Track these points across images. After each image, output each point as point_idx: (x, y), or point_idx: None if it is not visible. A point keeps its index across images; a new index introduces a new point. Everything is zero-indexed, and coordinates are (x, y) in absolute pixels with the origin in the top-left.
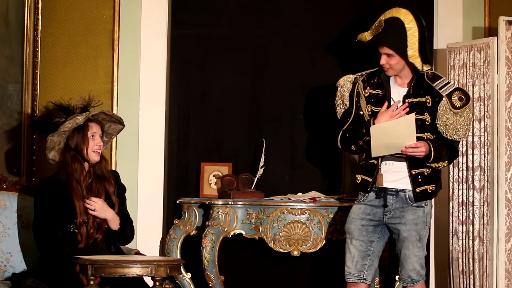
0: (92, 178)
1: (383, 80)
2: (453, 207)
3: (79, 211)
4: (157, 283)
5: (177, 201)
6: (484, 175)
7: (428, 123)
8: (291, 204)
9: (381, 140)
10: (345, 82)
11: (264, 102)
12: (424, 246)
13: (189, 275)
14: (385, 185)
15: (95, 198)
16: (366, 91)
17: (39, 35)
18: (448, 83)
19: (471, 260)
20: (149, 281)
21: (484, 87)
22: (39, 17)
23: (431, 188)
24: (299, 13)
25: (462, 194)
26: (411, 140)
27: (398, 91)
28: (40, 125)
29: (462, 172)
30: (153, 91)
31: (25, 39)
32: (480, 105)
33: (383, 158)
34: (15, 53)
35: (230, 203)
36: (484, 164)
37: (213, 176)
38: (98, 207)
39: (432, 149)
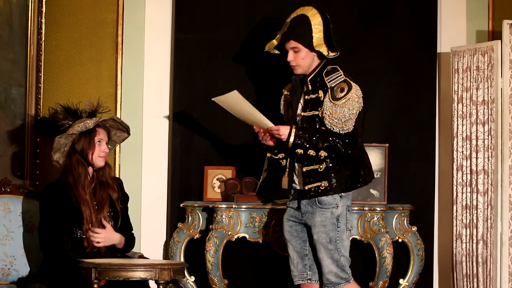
0: (95, 184)
1: (293, 82)
2: (457, 210)
3: (85, 216)
4: (161, 287)
5: (181, 205)
6: (488, 178)
7: (321, 118)
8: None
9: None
10: (284, 91)
11: (267, 105)
12: (339, 249)
13: (193, 278)
14: (299, 186)
15: (99, 229)
16: (289, 96)
17: (43, 39)
18: (339, 75)
19: (475, 264)
20: (153, 284)
21: (488, 90)
22: (43, 20)
23: (323, 184)
24: None
25: (466, 197)
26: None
27: (304, 90)
28: (43, 127)
29: (466, 176)
30: (157, 94)
31: (28, 43)
32: (484, 108)
33: (292, 160)
34: (19, 57)
35: (233, 206)
36: (488, 167)
37: (217, 179)
38: (103, 238)
39: (292, 133)
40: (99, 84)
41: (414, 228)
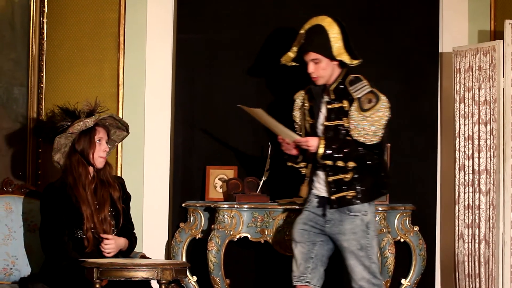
0: (96, 184)
1: (313, 92)
2: (459, 210)
3: (86, 216)
4: (163, 286)
5: (183, 205)
6: (490, 178)
7: (347, 128)
8: (297, 207)
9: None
10: (297, 98)
11: (270, 105)
12: (369, 256)
13: (195, 278)
14: (324, 194)
15: (108, 240)
16: (306, 104)
17: (45, 38)
18: (365, 86)
19: (477, 263)
20: (155, 284)
21: (490, 90)
22: (45, 20)
23: (350, 194)
24: (303, 18)
25: (468, 197)
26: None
27: (326, 100)
28: (41, 129)
29: (468, 176)
30: (159, 94)
31: (30, 42)
32: (486, 108)
33: (315, 168)
34: (21, 56)
35: (235, 206)
36: (490, 167)
37: (219, 179)
38: (113, 248)
39: (321, 144)
40: (101, 84)
41: (416, 228)
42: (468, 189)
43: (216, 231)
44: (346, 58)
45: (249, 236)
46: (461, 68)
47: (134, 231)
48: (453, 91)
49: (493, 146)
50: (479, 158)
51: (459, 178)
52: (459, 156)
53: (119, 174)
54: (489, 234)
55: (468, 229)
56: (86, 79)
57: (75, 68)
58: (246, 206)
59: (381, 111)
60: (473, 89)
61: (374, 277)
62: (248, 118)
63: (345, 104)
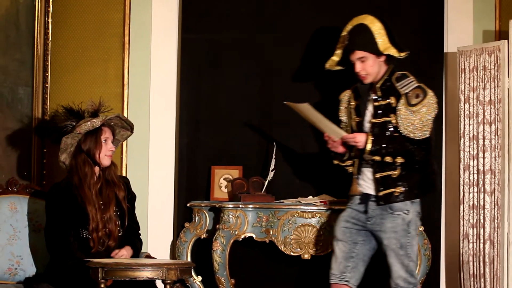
0: (101, 183)
1: (359, 90)
2: (463, 210)
3: (91, 216)
4: (168, 286)
5: (188, 205)
6: (495, 178)
7: (394, 124)
8: (302, 207)
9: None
10: (343, 97)
11: (274, 105)
12: (409, 254)
13: (200, 278)
14: (367, 191)
15: (119, 254)
16: (352, 103)
17: (50, 39)
18: (412, 81)
19: (481, 264)
20: (160, 284)
21: (494, 90)
22: (50, 20)
23: (398, 190)
24: (308, 17)
25: (473, 197)
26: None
27: (373, 97)
28: (45, 129)
29: (473, 176)
30: (164, 94)
31: (35, 43)
32: (490, 108)
33: (360, 165)
34: (26, 57)
35: (240, 206)
36: (495, 167)
37: (224, 179)
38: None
39: (369, 140)
40: (105, 84)
41: (421, 228)
42: (473, 189)
43: (221, 231)
44: (393, 52)
45: (254, 236)
46: (466, 68)
47: (139, 231)
48: (457, 91)
49: (497, 146)
50: (483, 158)
51: (463, 178)
52: (463, 156)
53: (124, 174)
54: (494, 234)
55: (473, 229)
56: (91, 79)
57: (80, 68)
58: (251, 206)
59: (429, 106)
60: (478, 89)
61: (411, 276)
62: (253, 117)
63: (392, 100)
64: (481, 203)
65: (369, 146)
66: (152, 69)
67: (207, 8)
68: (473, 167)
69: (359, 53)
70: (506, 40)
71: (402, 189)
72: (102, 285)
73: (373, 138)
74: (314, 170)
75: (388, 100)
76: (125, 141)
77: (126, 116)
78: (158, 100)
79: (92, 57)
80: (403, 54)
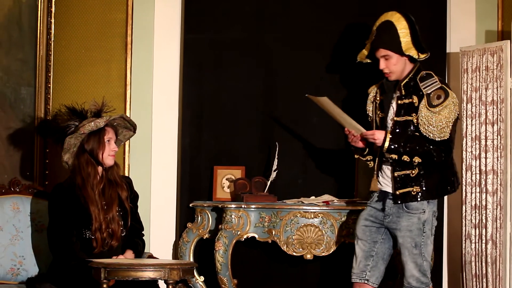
0: (104, 183)
1: (385, 86)
2: (466, 210)
3: (94, 216)
4: (170, 286)
5: (190, 205)
6: (497, 178)
7: (416, 124)
8: (304, 207)
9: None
10: (370, 91)
11: (277, 105)
12: (423, 253)
13: (202, 278)
14: (385, 189)
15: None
16: (378, 98)
17: (52, 39)
18: (435, 82)
19: (484, 264)
20: (162, 284)
21: (497, 90)
22: (52, 20)
23: (415, 189)
24: (311, 17)
25: (475, 197)
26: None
27: (397, 95)
28: (48, 129)
29: (475, 176)
30: (166, 94)
31: (38, 43)
32: (493, 108)
33: (380, 162)
34: (28, 57)
35: (243, 206)
36: (497, 167)
37: (226, 179)
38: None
39: (387, 138)
40: (108, 84)
41: None
42: (475, 189)
43: (223, 231)
44: (413, 53)
45: (256, 236)
46: (468, 68)
47: (143, 231)
48: (460, 91)
49: (500, 146)
50: (486, 158)
51: (466, 178)
52: (466, 156)
53: (126, 174)
54: (496, 234)
55: (475, 229)
56: (94, 79)
57: (82, 68)
58: (253, 206)
59: (450, 108)
60: (480, 89)
61: (424, 275)
62: (256, 117)
63: (415, 99)
64: (483, 203)
65: (386, 144)
66: (155, 69)
67: (209, 8)
68: (475, 167)
69: (383, 51)
70: (509, 40)
71: (419, 188)
72: (105, 285)
73: (391, 136)
74: (316, 171)
75: (411, 99)
76: (128, 141)
77: (128, 116)
78: (160, 100)
79: (95, 57)
80: (422, 56)
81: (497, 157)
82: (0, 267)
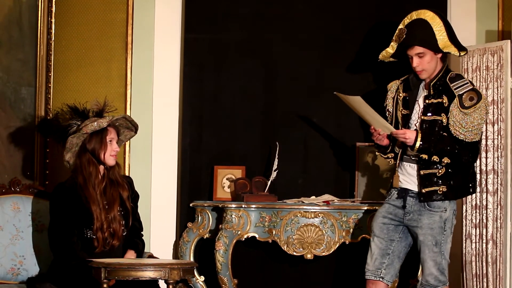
0: (106, 183)
1: (411, 83)
2: (466, 210)
3: (95, 216)
4: (171, 286)
5: (191, 204)
6: (497, 178)
7: (444, 124)
8: (305, 207)
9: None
10: (391, 87)
11: (277, 105)
12: (442, 252)
13: (203, 278)
14: (406, 186)
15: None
16: (401, 94)
17: (53, 38)
18: (466, 83)
19: (484, 263)
20: (162, 284)
21: (497, 90)
22: (53, 20)
23: (441, 189)
24: (311, 18)
25: (476, 197)
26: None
27: (424, 94)
28: (48, 128)
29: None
30: (167, 94)
31: (38, 42)
32: (493, 108)
33: (402, 159)
34: (29, 56)
35: (243, 206)
36: (497, 167)
37: (227, 179)
38: None
39: (419, 138)
40: (108, 84)
41: None
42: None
43: (223, 231)
44: (453, 50)
45: (256, 236)
46: (469, 68)
47: (142, 232)
48: None
49: (500, 146)
50: (486, 158)
51: None
52: None
53: (127, 174)
54: (496, 234)
55: (476, 229)
56: (94, 79)
57: (83, 68)
58: (254, 206)
59: (481, 110)
60: (481, 89)
61: (442, 273)
62: (256, 117)
63: (445, 100)
64: (484, 203)
65: (418, 144)
66: (155, 69)
67: (210, 8)
68: (476, 167)
69: (418, 49)
70: (509, 40)
71: (445, 188)
72: (105, 285)
73: (422, 136)
74: (316, 171)
75: (440, 99)
76: (128, 141)
77: (129, 116)
78: (161, 99)
79: (95, 57)
80: (463, 53)
81: (498, 157)
82: (0, 267)
